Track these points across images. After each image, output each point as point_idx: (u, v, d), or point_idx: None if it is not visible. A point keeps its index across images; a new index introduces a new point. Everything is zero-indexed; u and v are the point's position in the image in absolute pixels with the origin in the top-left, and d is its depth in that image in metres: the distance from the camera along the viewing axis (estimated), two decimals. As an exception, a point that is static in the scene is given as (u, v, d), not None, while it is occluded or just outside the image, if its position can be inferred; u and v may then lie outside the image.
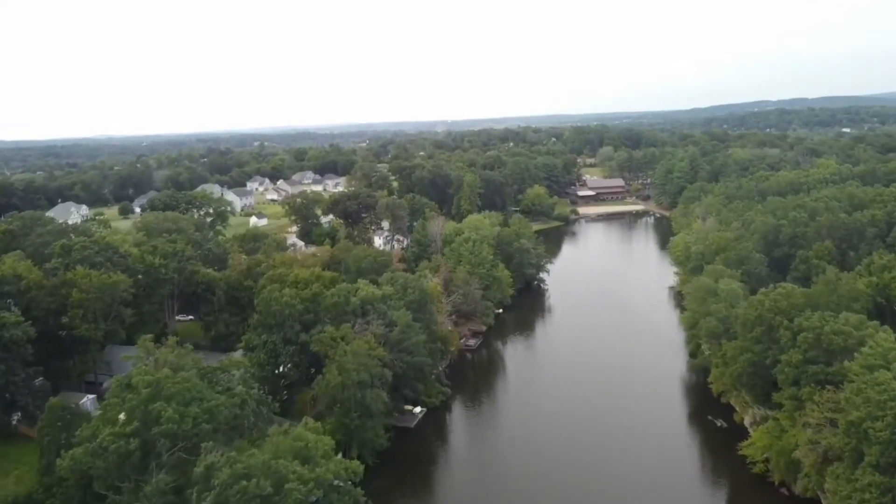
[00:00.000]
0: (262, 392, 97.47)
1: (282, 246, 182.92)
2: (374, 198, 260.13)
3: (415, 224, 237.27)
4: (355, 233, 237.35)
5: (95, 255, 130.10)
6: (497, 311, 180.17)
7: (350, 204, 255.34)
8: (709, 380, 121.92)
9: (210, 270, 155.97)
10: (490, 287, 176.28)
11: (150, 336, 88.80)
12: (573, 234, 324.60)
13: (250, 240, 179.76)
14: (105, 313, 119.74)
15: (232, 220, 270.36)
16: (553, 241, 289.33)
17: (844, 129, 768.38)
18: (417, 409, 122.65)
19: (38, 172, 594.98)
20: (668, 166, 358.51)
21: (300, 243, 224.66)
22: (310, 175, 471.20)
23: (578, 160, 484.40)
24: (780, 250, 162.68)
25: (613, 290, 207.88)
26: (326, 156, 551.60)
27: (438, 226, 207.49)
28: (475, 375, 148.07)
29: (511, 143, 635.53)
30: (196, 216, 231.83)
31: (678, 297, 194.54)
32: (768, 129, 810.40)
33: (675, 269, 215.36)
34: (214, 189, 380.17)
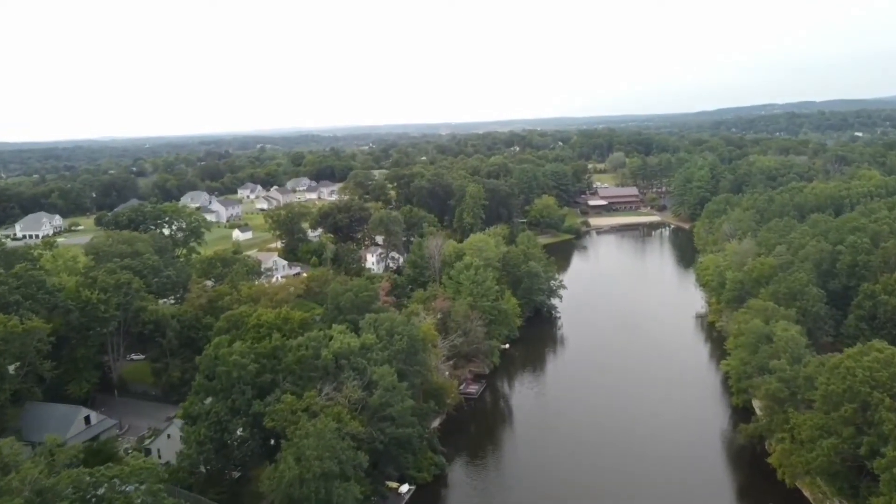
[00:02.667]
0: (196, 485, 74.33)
1: (255, 270, 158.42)
2: (367, 210, 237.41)
3: (412, 240, 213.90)
4: (346, 250, 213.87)
5: (12, 291, 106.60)
6: (503, 346, 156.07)
7: (341, 217, 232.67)
8: (769, 458, 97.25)
9: (164, 304, 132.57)
10: (495, 321, 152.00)
11: (11, 440, 64.43)
12: (584, 248, 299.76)
13: (218, 264, 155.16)
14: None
15: (213, 234, 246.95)
16: (563, 256, 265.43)
17: (857, 133, 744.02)
18: (404, 488, 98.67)
19: (33, 175, 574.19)
20: (686, 175, 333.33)
21: (282, 262, 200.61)
22: (304, 181, 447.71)
23: (588, 166, 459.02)
24: (836, 282, 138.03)
25: (633, 318, 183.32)
26: (324, 161, 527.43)
27: (437, 245, 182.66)
28: (477, 433, 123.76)
29: (516, 148, 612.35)
30: (169, 232, 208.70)
31: (709, 328, 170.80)
32: (778, 133, 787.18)
33: (702, 293, 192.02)
34: (201, 197, 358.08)
